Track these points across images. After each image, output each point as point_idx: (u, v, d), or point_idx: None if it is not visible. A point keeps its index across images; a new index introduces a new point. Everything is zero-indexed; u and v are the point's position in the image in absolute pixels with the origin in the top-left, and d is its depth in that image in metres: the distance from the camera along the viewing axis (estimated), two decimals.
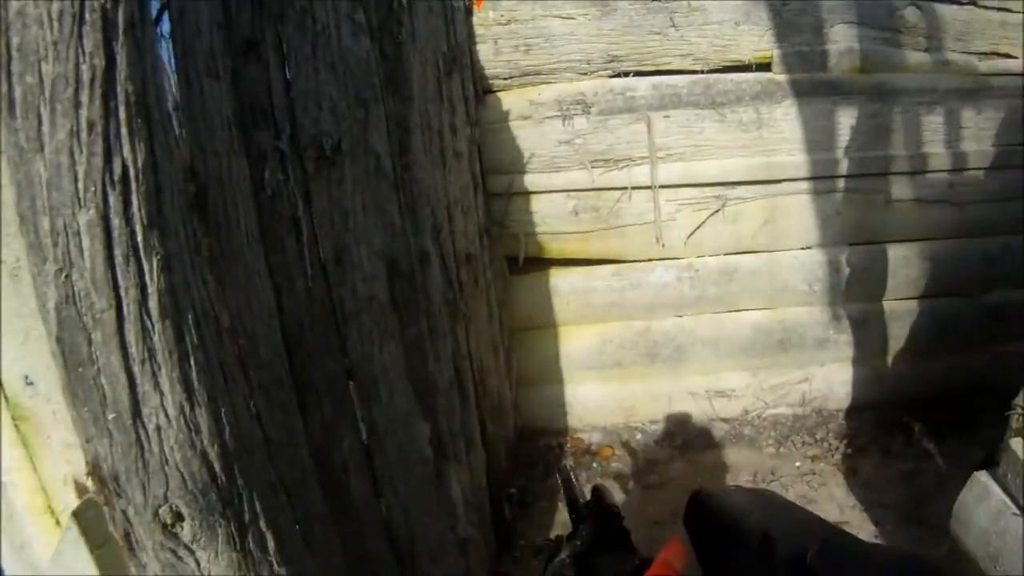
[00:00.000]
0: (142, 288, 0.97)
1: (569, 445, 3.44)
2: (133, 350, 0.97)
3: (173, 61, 1.30)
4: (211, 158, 1.31)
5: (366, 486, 1.84)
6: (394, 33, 2.02)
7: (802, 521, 0.79)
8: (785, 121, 3.14)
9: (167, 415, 1.02)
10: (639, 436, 3.42)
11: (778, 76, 3.15)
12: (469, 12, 3.09)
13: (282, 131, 1.54)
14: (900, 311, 3.38)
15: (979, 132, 3.28)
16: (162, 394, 1.01)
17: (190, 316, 1.06)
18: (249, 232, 1.42)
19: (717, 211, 3.17)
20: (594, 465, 3.34)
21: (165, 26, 1.29)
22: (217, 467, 1.10)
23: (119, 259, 0.94)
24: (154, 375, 1.00)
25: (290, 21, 1.54)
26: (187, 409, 1.04)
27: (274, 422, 1.42)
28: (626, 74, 3.15)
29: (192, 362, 1.05)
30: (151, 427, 1.01)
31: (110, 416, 0.98)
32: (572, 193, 3.18)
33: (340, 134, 1.64)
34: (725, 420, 3.41)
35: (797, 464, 3.23)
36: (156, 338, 0.99)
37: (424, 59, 2.35)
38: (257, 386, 1.38)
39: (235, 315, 1.37)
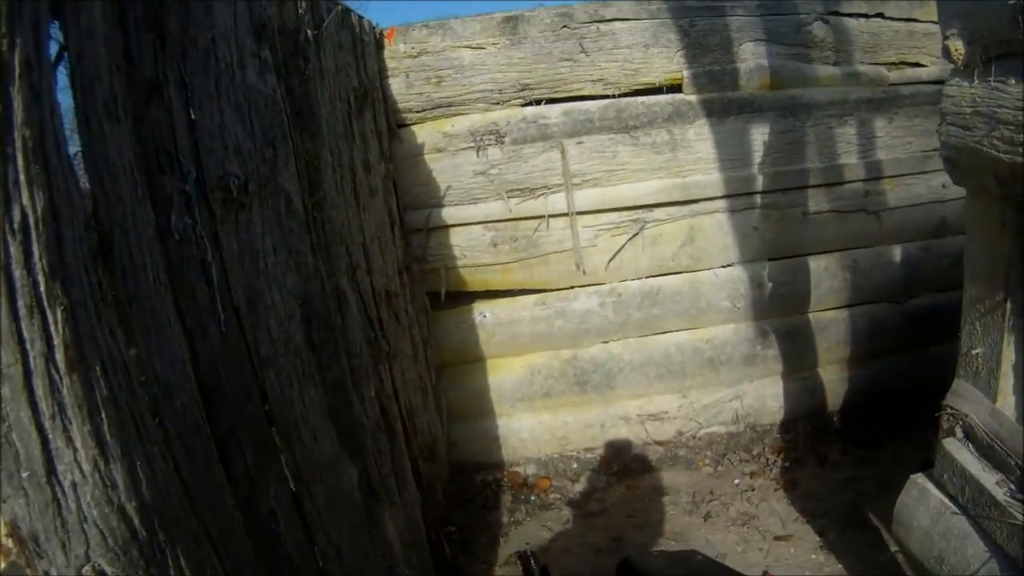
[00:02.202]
0: (47, 340, 1.01)
1: (506, 479, 3.66)
2: (43, 405, 1.01)
3: (73, 104, 1.30)
4: (114, 203, 1.33)
5: (297, 533, 1.89)
6: (301, 69, 2.21)
7: None
8: (699, 141, 3.46)
9: (82, 471, 1.07)
10: (575, 465, 3.66)
11: (689, 96, 3.47)
12: (380, 46, 3.35)
13: (188, 173, 1.59)
14: (826, 321, 3.71)
15: (892, 141, 3.64)
16: (75, 449, 1.05)
17: (98, 368, 1.11)
18: (157, 278, 1.45)
19: (636, 235, 3.47)
20: (532, 498, 3.57)
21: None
22: (136, 522, 1.15)
23: (23, 311, 0.97)
24: (66, 430, 1.04)
25: (193, 60, 1.61)
26: (101, 464, 1.09)
27: (194, 472, 1.48)
28: (538, 102, 3.45)
29: (103, 415, 1.10)
30: (67, 484, 1.05)
31: (24, 474, 1.01)
32: (490, 224, 3.46)
33: (247, 175, 1.73)
34: (660, 443, 3.68)
35: (736, 482, 3.50)
36: (65, 392, 1.03)
37: (334, 95, 2.57)
38: (174, 436, 1.44)
39: (146, 364, 1.40)
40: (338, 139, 2.55)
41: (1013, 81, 1.62)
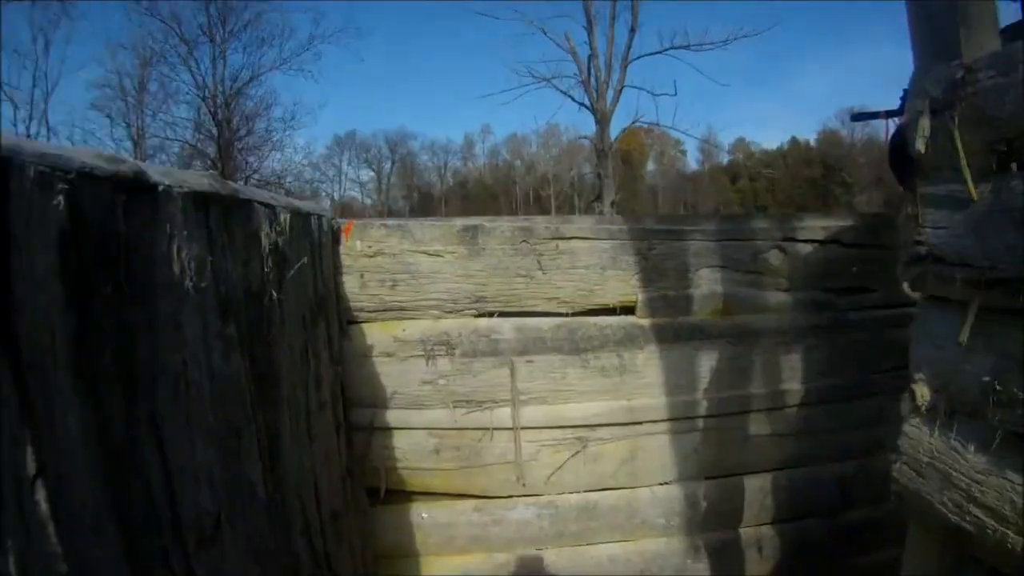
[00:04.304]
0: None
1: None
2: None
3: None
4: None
5: None
6: (265, 336, 2.27)
7: None
8: (648, 367, 3.56)
9: None
10: None
11: (642, 320, 3.57)
12: (336, 240, 3.39)
13: (163, 523, 1.56)
14: (758, 537, 3.82)
15: (835, 365, 3.76)
16: None
17: None
18: None
19: (578, 452, 3.55)
20: None
21: None
22: None
23: None
24: None
25: (163, 388, 1.59)
26: None
27: None
28: (491, 314, 3.50)
29: None
30: None
31: None
32: (434, 431, 3.53)
33: (220, 505, 1.75)
34: None
35: None
36: None
37: (292, 330, 2.61)
38: None
39: None
40: (294, 371, 2.59)
41: (972, 448, 1.71)
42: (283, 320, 2.48)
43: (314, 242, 3.03)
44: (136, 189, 1.52)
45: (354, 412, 3.48)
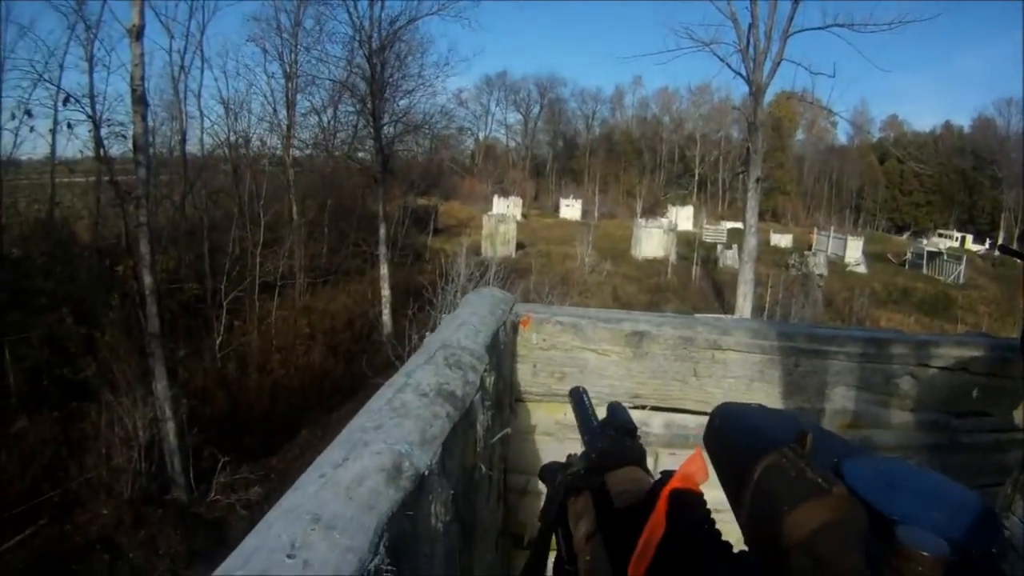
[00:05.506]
0: None
1: None
2: None
3: None
4: None
5: None
6: (472, 499, 2.69)
7: (830, 436, 0.84)
8: None
9: None
10: None
11: None
12: (515, 330, 3.76)
13: None
14: None
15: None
16: None
17: None
18: None
19: None
20: None
21: None
22: None
23: None
24: None
25: None
26: None
27: None
28: (644, 407, 3.90)
29: None
30: None
31: None
32: None
33: None
34: None
35: None
36: None
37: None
38: None
39: None
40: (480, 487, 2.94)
41: None
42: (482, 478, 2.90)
43: (500, 351, 3.41)
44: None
45: (512, 477, 3.95)
